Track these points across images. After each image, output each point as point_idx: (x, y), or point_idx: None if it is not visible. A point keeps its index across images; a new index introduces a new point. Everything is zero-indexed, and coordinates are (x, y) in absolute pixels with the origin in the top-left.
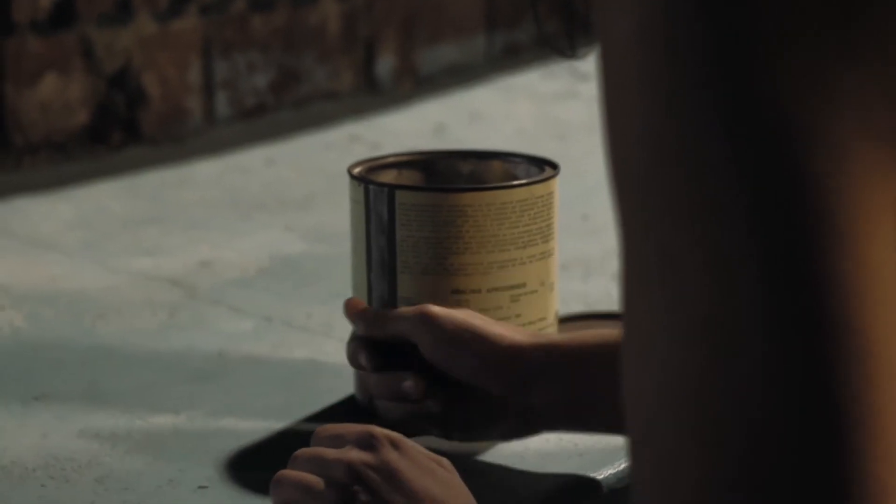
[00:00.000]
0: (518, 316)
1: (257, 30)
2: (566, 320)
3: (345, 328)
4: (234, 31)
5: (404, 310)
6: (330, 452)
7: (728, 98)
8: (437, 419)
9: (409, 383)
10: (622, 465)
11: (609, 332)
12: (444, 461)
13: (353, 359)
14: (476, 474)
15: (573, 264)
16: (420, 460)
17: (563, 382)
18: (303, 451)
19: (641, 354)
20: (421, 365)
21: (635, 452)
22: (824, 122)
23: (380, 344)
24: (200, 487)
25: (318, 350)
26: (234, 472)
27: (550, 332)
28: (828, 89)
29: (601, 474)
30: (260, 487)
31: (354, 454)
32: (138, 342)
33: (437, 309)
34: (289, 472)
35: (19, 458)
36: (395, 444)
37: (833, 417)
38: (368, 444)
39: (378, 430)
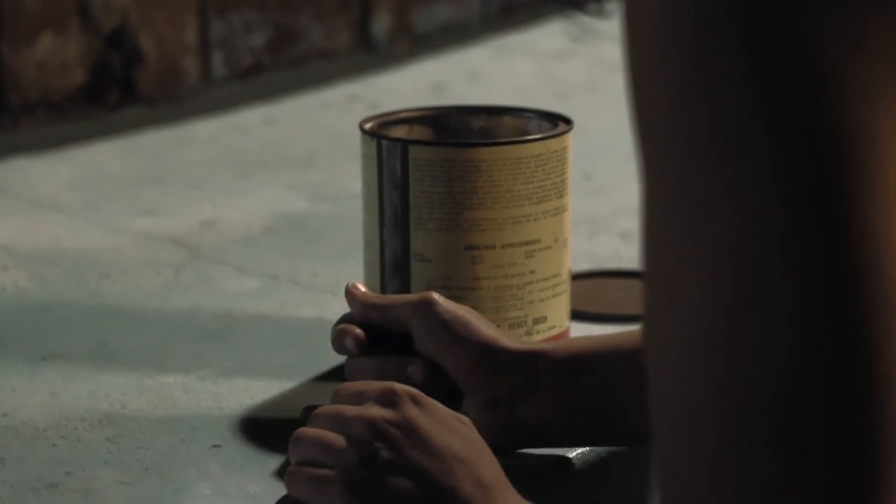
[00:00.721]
0: (532, 272)
1: None
2: (575, 278)
3: None
4: None
5: (406, 296)
6: (350, 409)
7: (756, 41)
8: None
9: (414, 368)
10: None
11: (601, 339)
12: (465, 418)
13: (338, 342)
14: None
15: (579, 223)
16: (442, 417)
17: (550, 397)
18: (323, 409)
19: (666, 301)
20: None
21: (658, 404)
22: (854, 68)
23: (369, 331)
24: (214, 446)
25: (326, 308)
26: (248, 430)
27: (564, 288)
28: (858, 36)
29: (573, 453)
30: (274, 445)
31: (375, 411)
32: (144, 302)
33: (438, 297)
34: (308, 430)
35: (30, 418)
36: (416, 401)
37: (859, 364)
38: (390, 400)
39: (399, 387)
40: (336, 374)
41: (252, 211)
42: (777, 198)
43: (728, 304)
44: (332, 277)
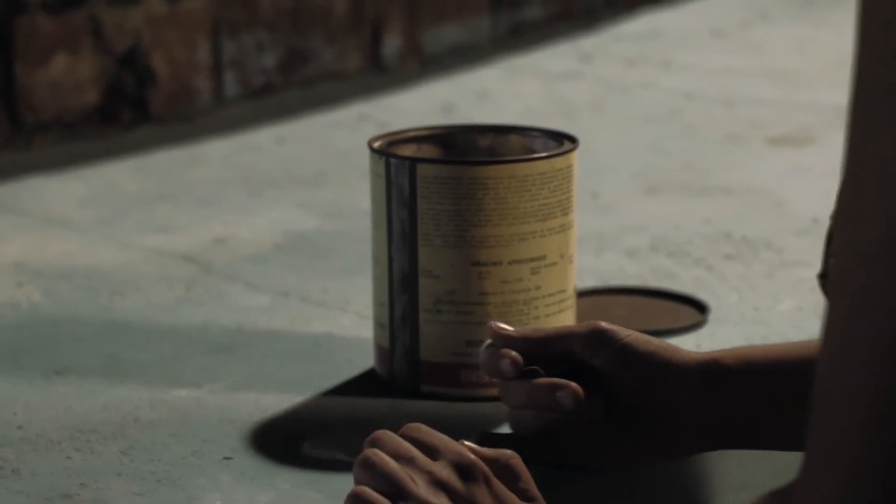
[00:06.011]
0: (538, 288)
1: (265, 10)
2: (580, 294)
3: (361, 302)
4: (242, 10)
5: (571, 327)
6: (423, 460)
7: None
8: (586, 435)
9: (564, 393)
10: None
11: (773, 348)
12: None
13: (492, 365)
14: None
15: (585, 240)
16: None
17: (728, 402)
18: (393, 442)
19: (864, 188)
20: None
21: (851, 308)
22: None
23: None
24: (225, 458)
25: (336, 324)
26: (258, 442)
27: (569, 304)
28: None
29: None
30: (284, 458)
31: (447, 474)
32: (156, 317)
33: (607, 325)
34: (381, 460)
35: (44, 430)
36: (488, 483)
37: None
38: (468, 472)
39: (480, 465)
40: (345, 389)
41: (262, 228)
42: None
43: None
44: (341, 293)
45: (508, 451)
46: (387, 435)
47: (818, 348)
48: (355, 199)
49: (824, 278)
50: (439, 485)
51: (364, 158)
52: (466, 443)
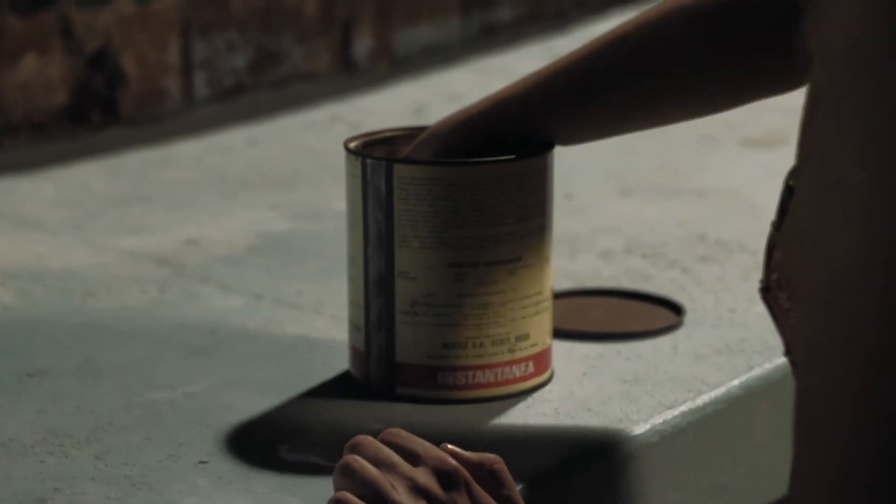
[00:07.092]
0: (515, 290)
1: (236, 10)
2: (557, 296)
3: (335, 304)
4: (213, 11)
5: None
6: (404, 466)
7: None
8: None
9: None
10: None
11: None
12: None
13: None
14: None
15: (560, 242)
16: None
17: None
18: (373, 448)
19: (840, 211)
20: None
21: (818, 310)
22: None
23: None
24: (201, 462)
25: (310, 326)
26: (234, 446)
27: (546, 305)
28: None
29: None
30: (260, 462)
31: (428, 481)
32: (130, 318)
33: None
34: (361, 467)
35: (17, 434)
36: (470, 490)
37: None
38: (449, 479)
39: (462, 471)
40: (319, 393)
41: (235, 230)
42: None
43: None
44: (315, 295)
45: (493, 457)
46: (367, 440)
47: (800, 365)
48: (329, 200)
49: (767, 292)
50: (420, 492)
51: (337, 159)
52: (449, 447)
